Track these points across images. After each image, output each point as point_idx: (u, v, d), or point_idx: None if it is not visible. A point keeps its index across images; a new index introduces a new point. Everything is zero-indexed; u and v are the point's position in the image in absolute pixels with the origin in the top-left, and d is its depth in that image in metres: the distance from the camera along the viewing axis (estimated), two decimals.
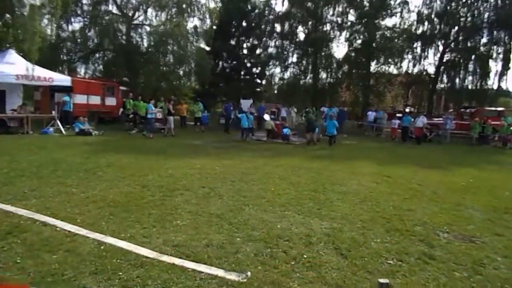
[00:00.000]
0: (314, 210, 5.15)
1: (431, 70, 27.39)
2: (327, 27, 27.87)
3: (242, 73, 30.39)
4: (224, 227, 4.28)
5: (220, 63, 29.58)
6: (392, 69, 26.73)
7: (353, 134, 20.60)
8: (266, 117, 20.53)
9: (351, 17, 26.78)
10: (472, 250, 4.00)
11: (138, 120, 17.07)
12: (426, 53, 26.63)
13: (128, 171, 7.19)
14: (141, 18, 25.50)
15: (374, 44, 25.34)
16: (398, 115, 22.36)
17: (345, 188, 6.58)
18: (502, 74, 24.16)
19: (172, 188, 5.96)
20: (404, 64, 34.60)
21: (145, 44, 25.32)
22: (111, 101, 20.20)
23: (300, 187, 6.50)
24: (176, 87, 25.65)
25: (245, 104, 22.47)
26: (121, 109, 18.79)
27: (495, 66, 27.23)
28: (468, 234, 4.49)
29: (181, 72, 25.09)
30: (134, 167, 7.65)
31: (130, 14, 25.04)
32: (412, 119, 17.89)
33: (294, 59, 29.56)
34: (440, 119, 20.70)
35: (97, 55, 25.94)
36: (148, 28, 25.26)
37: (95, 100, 19.10)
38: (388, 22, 44.87)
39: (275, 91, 34.09)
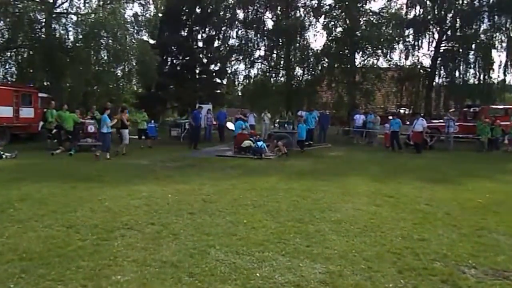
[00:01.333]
0: (303, 247, 4.89)
1: (427, 62, 28.49)
2: (301, 12, 28.45)
3: (197, 71, 30.25)
4: (183, 281, 3.92)
5: (169, 59, 29.30)
6: (381, 62, 27.56)
7: (339, 142, 20.84)
8: (230, 125, 20.38)
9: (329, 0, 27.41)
10: None
11: (64, 136, 16.36)
12: (419, 42, 27.76)
13: (49, 207, 6.71)
14: (65, 5, 24.70)
15: (358, 32, 25.97)
16: (391, 118, 22.81)
17: (339, 215, 6.41)
18: (506, 65, 25.44)
19: (110, 228, 5.54)
20: (395, 56, 35.75)
21: (71, 38, 24.47)
22: (27, 113, 19.26)
23: (281, 217, 6.27)
24: (112, 91, 24.90)
25: (203, 110, 22.24)
26: (41, 123, 18.03)
27: (498, 57, 28.76)
28: (499, 268, 4.39)
29: (119, 72, 24.46)
30: (57, 201, 7.19)
31: (51, 1, 24.22)
32: (403, 122, 18.29)
33: (262, 52, 29.87)
34: (441, 121, 21.30)
35: (8, 53, 24.80)
36: (74, 18, 24.44)
37: (6, 112, 18.13)
38: (374, 5, 46.62)
39: (239, 93, 34.15)
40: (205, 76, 30.46)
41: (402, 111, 30.34)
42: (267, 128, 22.24)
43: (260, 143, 15.12)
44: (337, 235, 5.42)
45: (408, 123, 20.15)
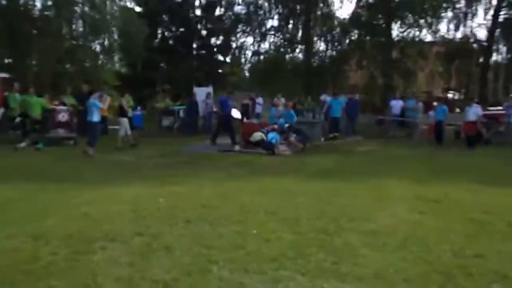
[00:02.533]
0: (327, 265, 4.90)
1: (482, 35, 28.22)
2: None
3: (195, 46, 30.31)
4: None
5: (160, 31, 29.36)
6: (425, 35, 27.31)
7: (371, 135, 20.80)
8: (236, 113, 20.46)
9: None
10: None
11: (30, 126, 16.47)
12: (473, 10, 27.40)
13: (12, 213, 6.79)
14: None
15: None
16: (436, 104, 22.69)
17: (373, 225, 6.41)
18: None
19: (88, 239, 5.60)
20: (442, 27, 35.51)
21: (38, 5, 24.65)
22: None
23: (301, 226, 6.29)
24: (89, 70, 25.02)
25: (201, 94, 22.36)
26: (2, 110, 18.11)
27: None
28: None
29: (97, 48, 24.60)
30: (23, 206, 7.27)
31: None
32: (452, 110, 18.19)
33: (275, 22, 29.84)
34: (500, 108, 21.12)
35: None
36: None
37: None
38: None
39: (247, 74, 34.20)
40: (204, 52, 30.49)
41: (450, 95, 30.15)
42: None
43: (271, 135, 15.10)
44: (371, 249, 5.42)
45: (458, 111, 19.99)
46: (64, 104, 17.14)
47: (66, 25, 23.48)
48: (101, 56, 25.36)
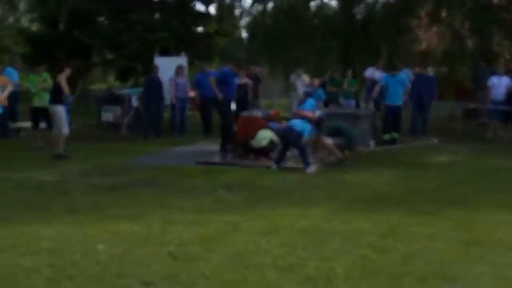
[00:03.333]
0: None
1: None
2: None
3: None
4: None
5: None
6: None
7: (457, 135, 20.79)
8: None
9: None
10: None
11: None
12: None
13: None
14: None
15: None
16: None
17: None
18: None
19: None
20: None
21: None
22: None
23: None
24: None
25: (168, 68, 22.37)
26: None
27: None
28: None
29: None
30: None
31: None
32: None
33: None
34: None
35: None
36: None
37: None
38: None
39: (244, 34, 34.33)
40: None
41: None
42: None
43: (300, 125, 14.89)
44: None
45: None
46: None
47: None
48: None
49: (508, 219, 9.54)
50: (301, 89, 22.76)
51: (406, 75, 20.58)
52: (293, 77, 23.52)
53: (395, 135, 18.96)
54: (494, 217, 9.70)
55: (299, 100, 21.98)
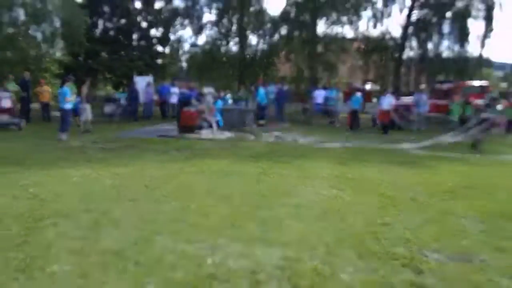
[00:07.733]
0: (258, 233, 5.20)
1: (397, 33, 29.30)
2: None
3: (135, 37, 29.68)
4: (128, 270, 4.13)
5: (101, 22, 28.51)
6: (346, 32, 28.14)
7: (297, 122, 21.24)
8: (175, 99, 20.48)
9: None
10: (471, 273, 4.33)
11: None
12: (389, 9, 28.41)
13: None
14: None
15: None
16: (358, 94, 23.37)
17: (298, 200, 6.73)
18: (484, 37, 26.55)
19: (39, 217, 5.60)
20: (362, 25, 36.61)
21: None
22: None
23: (235, 202, 6.53)
24: (31, 58, 24.06)
25: (142, 82, 22.21)
26: None
27: (475, 28, 29.99)
28: (463, 252, 4.83)
29: (39, 36, 23.59)
30: None
31: None
32: (369, 100, 19.00)
33: (212, 16, 29.69)
34: (410, 98, 22.07)
35: None
36: None
37: None
38: None
39: (184, 64, 33.89)
40: (144, 42, 29.94)
41: (368, 86, 31.16)
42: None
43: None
44: (295, 220, 5.74)
45: (375, 100, 20.87)
46: (7, 91, 16.49)
47: (6, 12, 22.44)
48: (43, 44, 24.41)
49: (324, 164, 9.87)
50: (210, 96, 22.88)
51: (272, 88, 20.97)
52: (205, 90, 23.57)
53: (262, 121, 19.24)
54: (317, 163, 9.99)
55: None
